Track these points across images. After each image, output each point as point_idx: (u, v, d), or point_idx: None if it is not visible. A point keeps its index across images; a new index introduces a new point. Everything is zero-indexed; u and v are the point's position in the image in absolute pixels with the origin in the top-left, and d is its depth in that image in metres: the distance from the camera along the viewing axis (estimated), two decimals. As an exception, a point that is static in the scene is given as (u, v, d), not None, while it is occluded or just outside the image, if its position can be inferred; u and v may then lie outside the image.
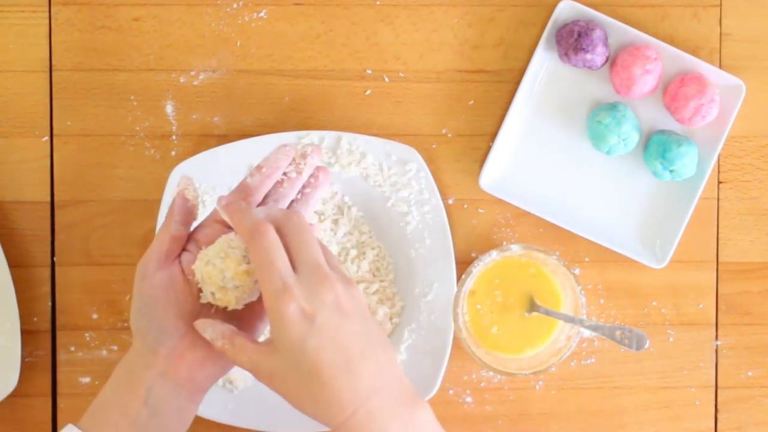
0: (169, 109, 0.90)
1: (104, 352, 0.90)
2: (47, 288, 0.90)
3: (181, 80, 0.90)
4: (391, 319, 0.91)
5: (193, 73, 0.90)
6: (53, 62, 0.90)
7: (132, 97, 0.90)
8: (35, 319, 0.90)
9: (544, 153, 0.93)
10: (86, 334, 0.90)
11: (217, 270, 0.67)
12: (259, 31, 0.91)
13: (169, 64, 0.90)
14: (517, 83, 0.91)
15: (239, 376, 0.88)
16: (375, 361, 0.65)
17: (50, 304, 0.90)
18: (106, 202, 0.90)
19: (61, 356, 0.90)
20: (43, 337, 0.90)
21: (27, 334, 0.89)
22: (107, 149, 0.90)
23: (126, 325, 0.90)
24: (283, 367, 0.64)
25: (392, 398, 0.65)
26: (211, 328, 0.66)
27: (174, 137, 0.90)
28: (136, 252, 0.89)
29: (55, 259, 0.90)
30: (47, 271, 0.90)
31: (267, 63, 0.91)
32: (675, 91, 0.90)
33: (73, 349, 0.90)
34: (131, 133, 0.90)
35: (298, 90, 0.91)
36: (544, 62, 0.92)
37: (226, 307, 0.68)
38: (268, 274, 0.64)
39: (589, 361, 0.93)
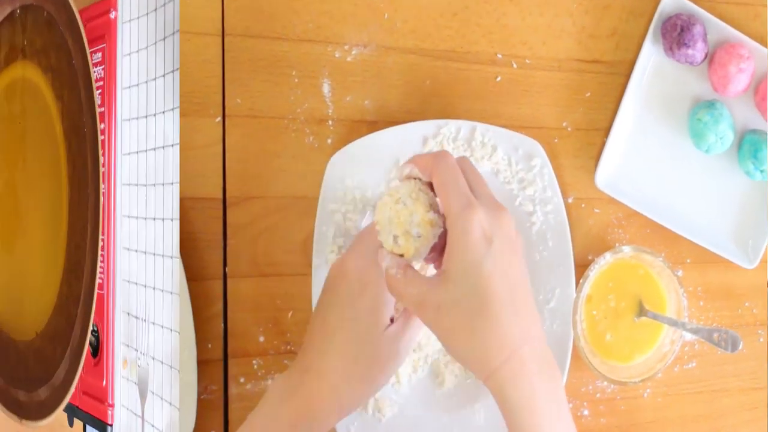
0: (325, 88, 0.81)
1: (269, 382, 0.78)
2: (220, 306, 0.77)
3: (336, 55, 0.81)
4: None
5: (346, 47, 0.82)
6: (225, 26, 0.78)
7: (293, 72, 0.80)
8: (209, 345, 0.76)
9: (651, 150, 0.89)
10: (254, 361, 0.78)
11: (407, 211, 0.63)
12: (404, 4, 0.83)
13: (325, 35, 0.81)
14: (627, 76, 0.87)
15: (387, 403, 0.77)
16: (531, 308, 0.62)
17: (222, 325, 0.77)
18: (270, 199, 0.80)
19: (232, 390, 0.77)
20: (215, 367, 0.76)
21: (201, 365, 0.75)
22: (272, 134, 0.81)
23: (289, 347, 0.77)
24: (452, 298, 0.60)
25: (539, 352, 0.61)
26: (389, 257, 0.64)
27: (330, 122, 0.82)
28: (297, 260, 0.80)
29: (227, 270, 0.76)
30: (219, 285, 0.77)
31: (411, 40, 0.83)
32: (765, 91, 0.89)
33: (242, 380, 0.77)
34: (293, 116, 0.81)
35: (437, 73, 0.84)
36: (651, 55, 0.88)
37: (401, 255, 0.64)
38: (454, 189, 0.62)
39: (690, 365, 0.90)
